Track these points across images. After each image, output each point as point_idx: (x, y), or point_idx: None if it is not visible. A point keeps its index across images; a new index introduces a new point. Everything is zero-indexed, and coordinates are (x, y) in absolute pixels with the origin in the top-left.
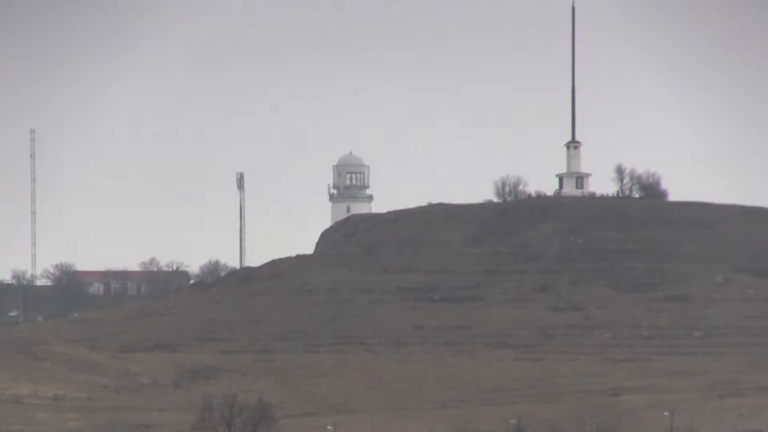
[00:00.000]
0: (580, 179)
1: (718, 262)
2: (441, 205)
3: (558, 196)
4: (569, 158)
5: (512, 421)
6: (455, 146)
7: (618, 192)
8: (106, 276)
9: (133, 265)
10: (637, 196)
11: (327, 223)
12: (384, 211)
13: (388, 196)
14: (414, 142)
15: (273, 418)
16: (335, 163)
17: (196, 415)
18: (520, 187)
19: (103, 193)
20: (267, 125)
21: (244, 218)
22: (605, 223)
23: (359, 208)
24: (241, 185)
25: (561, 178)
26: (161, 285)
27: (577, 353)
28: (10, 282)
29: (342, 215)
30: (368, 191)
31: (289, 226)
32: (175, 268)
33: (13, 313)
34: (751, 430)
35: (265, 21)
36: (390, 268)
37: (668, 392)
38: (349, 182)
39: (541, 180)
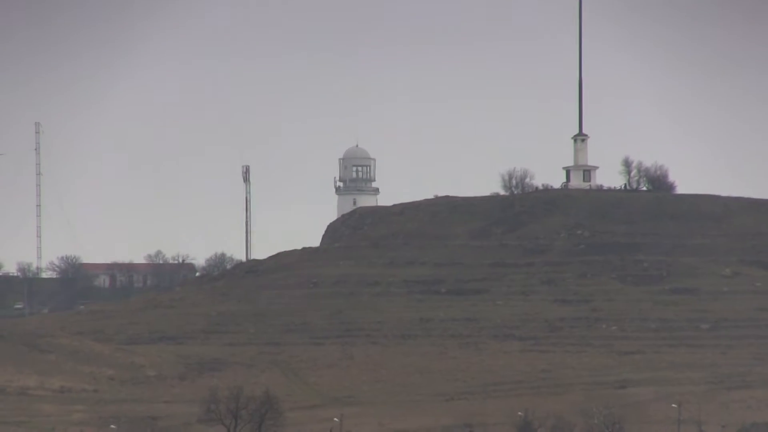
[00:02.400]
0: (587, 172)
1: (726, 255)
2: (447, 197)
3: (565, 189)
4: (576, 151)
5: (519, 413)
6: (462, 139)
7: (625, 185)
8: (112, 269)
9: (139, 258)
10: (644, 188)
11: (333, 216)
12: (390, 204)
13: (394, 189)
14: (420, 135)
15: (279, 410)
16: (341, 156)
17: (202, 408)
18: (527, 180)
19: (108, 185)
20: (273, 118)
21: (250, 211)
22: (612, 216)
23: (365, 201)
24: (247, 178)
25: (568, 171)
26: (167, 277)
27: (584, 346)
28: (15, 275)
29: (348, 208)
30: (374, 184)
31: (296, 219)
32: (180, 260)
33: (18, 306)
34: (758, 422)
35: (271, 15)
36: (396, 260)
37: (675, 384)
38: (355, 175)
39: (548, 173)
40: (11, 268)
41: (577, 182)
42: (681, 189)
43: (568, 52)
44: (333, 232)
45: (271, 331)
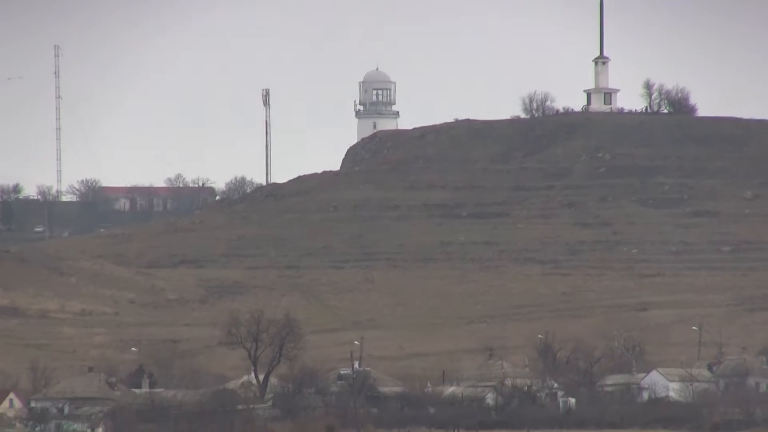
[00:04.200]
0: (608, 95)
1: (748, 177)
2: (468, 121)
3: (586, 112)
4: (597, 74)
5: (539, 336)
6: (483, 62)
7: (646, 108)
8: (132, 192)
9: (159, 182)
10: (665, 111)
11: (353, 139)
12: (410, 127)
13: (414, 112)
14: (441, 58)
15: (300, 333)
16: (361, 80)
17: (222, 331)
18: (548, 103)
19: (128, 109)
20: (292, 41)
21: (270, 134)
22: (633, 139)
23: (385, 125)
24: (266, 102)
25: (589, 94)
26: (187, 201)
27: (605, 269)
28: (35, 198)
29: (368, 132)
30: (394, 108)
31: (315, 143)
32: (200, 184)
33: (38, 229)
34: None
35: None
36: (416, 184)
37: (696, 307)
38: (375, 99)
39: (568, 96)
40: (31, 192)
41: (597, 105)
42: (702, 111)
43: None
44: (353, 155)
45: (292, 255)
